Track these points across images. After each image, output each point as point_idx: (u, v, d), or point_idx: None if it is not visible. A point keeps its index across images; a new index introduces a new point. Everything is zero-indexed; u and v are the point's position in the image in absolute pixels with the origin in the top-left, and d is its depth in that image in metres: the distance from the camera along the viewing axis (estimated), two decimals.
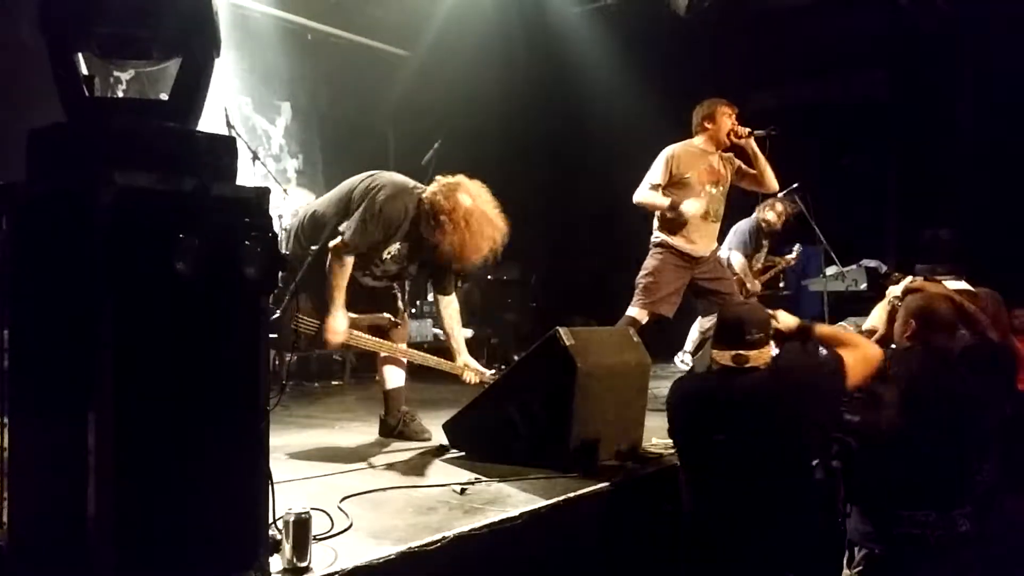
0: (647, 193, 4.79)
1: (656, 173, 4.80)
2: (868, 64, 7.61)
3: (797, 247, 6.33)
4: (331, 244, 3.64)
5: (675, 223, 4.80)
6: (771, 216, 6.22)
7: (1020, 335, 3.69)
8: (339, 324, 3.64)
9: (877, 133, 7.59)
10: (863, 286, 6.81)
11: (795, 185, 6.01)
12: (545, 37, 8.13)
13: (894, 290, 3.23)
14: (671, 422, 2.88)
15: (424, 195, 3.67)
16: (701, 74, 7.18)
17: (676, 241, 4.81)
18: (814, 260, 6.85)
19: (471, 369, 3.89)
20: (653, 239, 4.91)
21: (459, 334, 4.00)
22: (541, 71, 8.30)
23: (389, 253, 3.76)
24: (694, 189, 4.77)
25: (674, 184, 4.77)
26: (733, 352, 2.69)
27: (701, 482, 2.76)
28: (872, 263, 7.04)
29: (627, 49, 7.81)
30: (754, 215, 6.30)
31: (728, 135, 4.82)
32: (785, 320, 2.92)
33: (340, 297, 3.64)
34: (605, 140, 8.06)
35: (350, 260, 3.64)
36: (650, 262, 4.86)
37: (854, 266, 6.82)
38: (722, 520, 2.67)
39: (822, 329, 2.95)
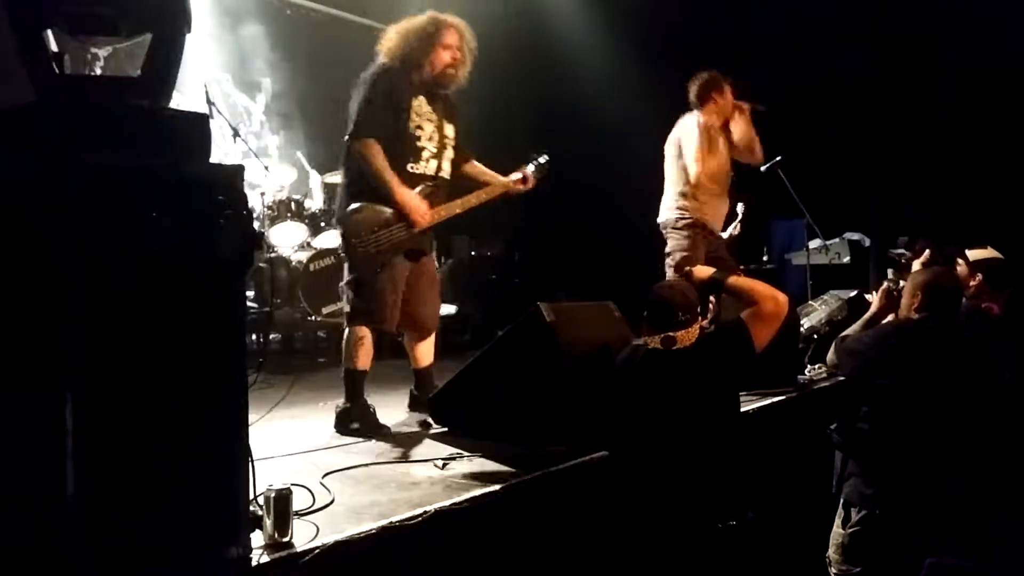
0: (700, 160, 4.60)
1: (700, 145, 4.61)
2: (853, 40, 7.60)
3: (740, 206, 6.23)
4: (349, 140, 3.55)
5: (700, 201, 4.68)
6: None
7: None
8: (414, 201, 3.54)
9: (860, 109, 7.59)
10: (846, 259, 6.85)
11: (777, 158, 6.00)
12: (532, 12, 8.07)
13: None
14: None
15: (400, 44, 3.65)
16: (690, 47, 7.14)
17: (705, 219, 4.69)
18: (797, 234, 6.86)
19: (512, 181, 3.90)
20: (679, 217, 4.70)
21: (488, 172, 3.97)
22: (528, 46, 8.25)
23: (421, 116, 3.65)
24: (724, 160, 4.73)
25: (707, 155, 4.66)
26: (662, 335, 2.76)
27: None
28: (855, 236, 7.07)
29: (615, 24, 7.77)
30: None
31: (734, 108, 4.72)
32: (699, 273, 3.14)
33: (393, 179, 3.51)
34: (592, 115, 8.03)
35: (374, 144, 3.50)
36: (684, 242, 4.67)
37: (837, 239, 6.85)
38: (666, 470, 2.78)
39: (731, 281, 3.07)
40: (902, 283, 3.19)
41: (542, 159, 3.97)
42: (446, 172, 3.77)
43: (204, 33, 6.48)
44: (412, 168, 3.63)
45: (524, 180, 3.92)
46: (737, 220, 6.03)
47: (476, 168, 3.97)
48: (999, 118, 6.61)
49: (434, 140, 3.70)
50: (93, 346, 1.77)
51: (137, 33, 1.99)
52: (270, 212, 6.21)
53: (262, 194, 6.21)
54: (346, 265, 3.70)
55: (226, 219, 1.88)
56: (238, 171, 1.99)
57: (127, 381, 1.81)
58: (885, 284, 3.32)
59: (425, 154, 3.67)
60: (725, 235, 5.85)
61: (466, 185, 3.93)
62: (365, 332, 3.63)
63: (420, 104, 3.65)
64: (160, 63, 1.97)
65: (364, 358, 3.64)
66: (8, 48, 1.79)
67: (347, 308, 3.69)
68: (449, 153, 3.78)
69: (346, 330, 3.70)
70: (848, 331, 3.27)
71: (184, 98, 5.59)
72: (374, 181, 3.53)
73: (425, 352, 3.88)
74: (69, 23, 1.90)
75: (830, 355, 3.22)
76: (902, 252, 3.99)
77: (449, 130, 3.78)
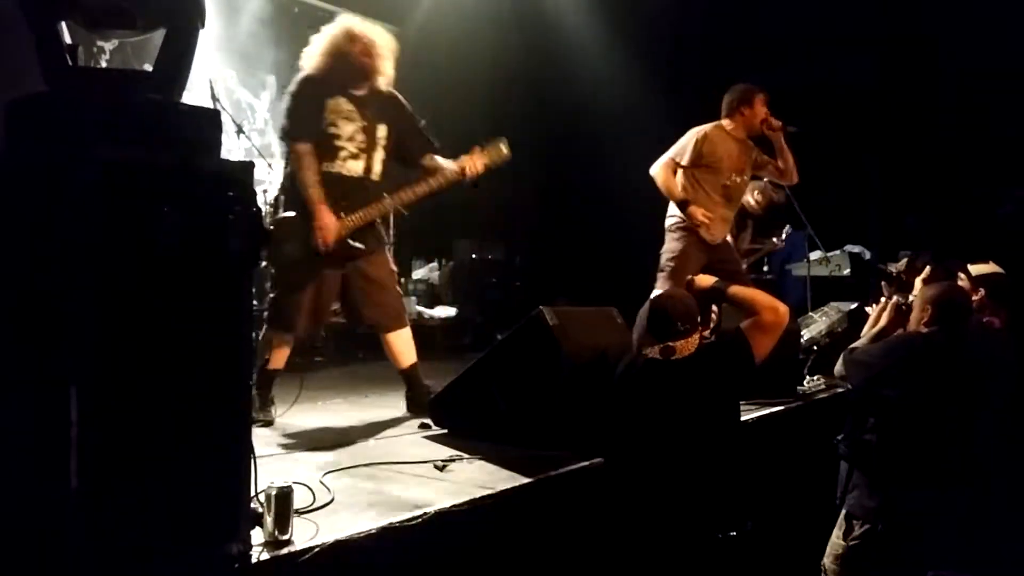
0: (667, 175, 4.64)
1: (683, 152, 4.64)
2: (856, 48, 7.61)
3: (787, 229, 6.27)
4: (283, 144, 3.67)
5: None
6: (753, 199, 6.19)
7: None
8: (326, 219, 3.62)
9: (862, 118, 7.59)
10: (846, 271, 6.86)
11: None
12: (536, 15, 8.08)
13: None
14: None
15: (316, 52, 3.76)
16: (691, 50, 7.14)
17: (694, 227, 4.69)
18: (798, 245, 6.87)
19: (462, 164, 3.82)
20: (673, 222, 4.76)
21: (440, 164, 3.90)
22: (532, 49, 8.26)
23: (338, 115, 3.71)
24: (722, 174, 4.68)
25: (701, 166, 4.64)
26: (661, 345, 2.76)
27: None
28: (856, 248, 7.08)
29: (618, 28, 7.78)
30: None
31: (762, 124, 4.70)
32: (700, 281, 3.14)
33: (315, 191, 3.62)
34: (594, 120, 8.04)
35: (304, 148, 3.64)
36: (674, 245, 4.71)
37: (838, 251, 6.86)
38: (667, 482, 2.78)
39: (732, 291, 3.08)
40: (911, 298, 3.20)
41: (500, 144, 3.89)
42: (376, 173, 3.83)
43: (209, 29, 6.47)
44: (328, 167, 3.71)
45: (463, 170, 3.83)
46: (783, 234, 6.10)
47: (433, 162, 3.93)
48: (1000, 119, 6.62)
49: (355, 140, 3.75)
50: (100, 341, 1.77)
51: (152, 27, 1.99)
52: (272, 210, 6.19)
53: (264, 191, 6.20)
54: (273, 271, 3.81)
55: (236, 215, 1.88)
56: (248, 167, 1.98)
57: (133, 376, 1.80)
58: (895, 299, 3.34)
59: (343, 154, 3.73)
60: (776, 241, 5.91)
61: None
62: (279, 336, 3.79)
63: (338, 103, 3.73)
64: (173, 58, 1.96)
65: (276, 360, 3.79)
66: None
67: (267, 312, 3.83)
68: (380, 153, 3.82)
69: (263, 329, 3.81)
70: (857, 343, 3.28)
71: (188, 94, 5.58)
72: (300, 187, 3.67)
73: (404, 350, 3.90)
74: (87, 16, 1.90)
75: (838, 366, 3.23)
76: (895, 267, 4.02)
77: (381, 130, 3.82)
